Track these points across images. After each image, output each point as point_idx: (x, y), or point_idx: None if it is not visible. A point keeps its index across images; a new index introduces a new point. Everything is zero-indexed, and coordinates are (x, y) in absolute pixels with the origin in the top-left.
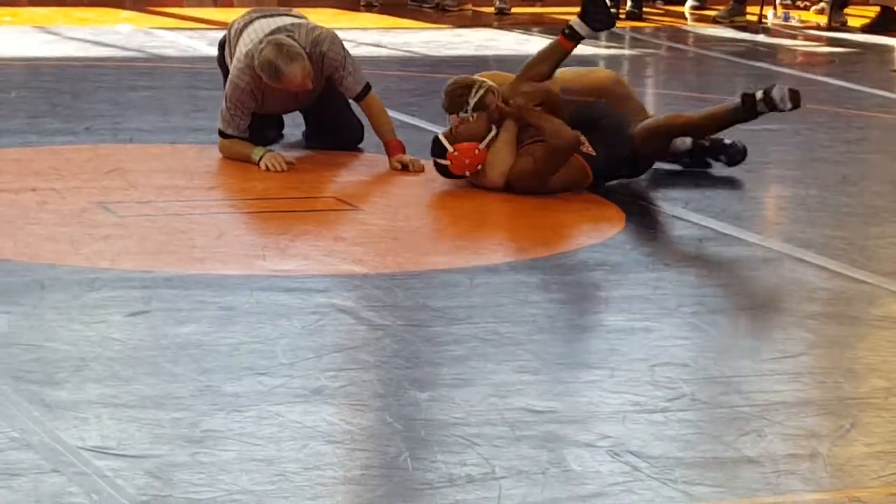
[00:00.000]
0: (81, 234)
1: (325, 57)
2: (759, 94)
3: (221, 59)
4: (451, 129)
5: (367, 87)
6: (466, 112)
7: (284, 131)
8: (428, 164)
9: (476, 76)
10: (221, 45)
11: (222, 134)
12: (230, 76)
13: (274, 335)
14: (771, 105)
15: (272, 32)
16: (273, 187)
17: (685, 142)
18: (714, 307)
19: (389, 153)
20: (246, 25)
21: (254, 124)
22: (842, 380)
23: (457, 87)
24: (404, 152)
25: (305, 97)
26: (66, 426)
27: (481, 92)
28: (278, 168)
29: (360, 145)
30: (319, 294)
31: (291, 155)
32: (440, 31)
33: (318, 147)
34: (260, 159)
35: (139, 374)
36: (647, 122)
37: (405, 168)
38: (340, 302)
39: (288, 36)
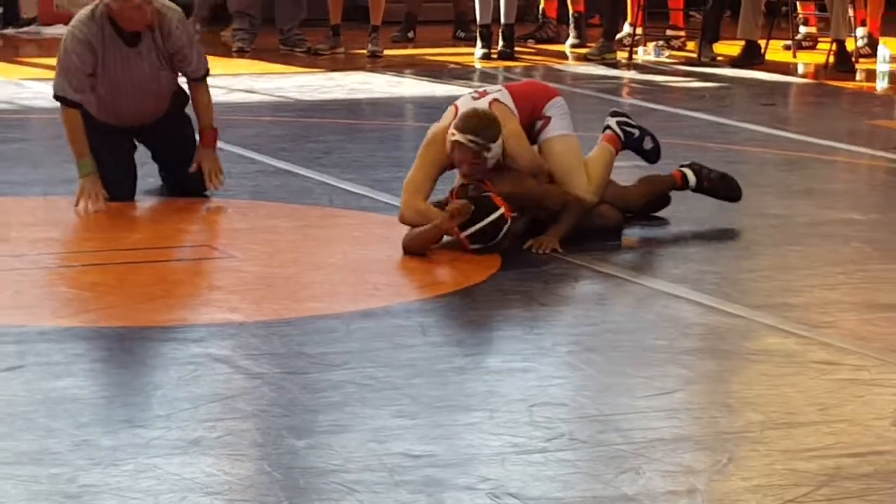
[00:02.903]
0: None
1: (174, 28)
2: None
3: None
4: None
5: (207, 72)
6: (490, 153)
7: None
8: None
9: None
10: None
11: (60, 99)
12: (67, 29)
13: (150, 386)
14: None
15: None
16: (147, 237)
17: None
18: (589, 346)
19: (203, 140)
20: None
21: (107, 167)
22: (718, 415)
23: (487, 116)
24: (216, 142)
25: (150, 93)
26: None
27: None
28: (92, 210)
29: (231, 192)
30: (195, 344)
31: (154, 204)
32: (313, 75)
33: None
34: (84, 176)
35: (14, 430)
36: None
37: (200, 173)
38: (216, 351)
39: None
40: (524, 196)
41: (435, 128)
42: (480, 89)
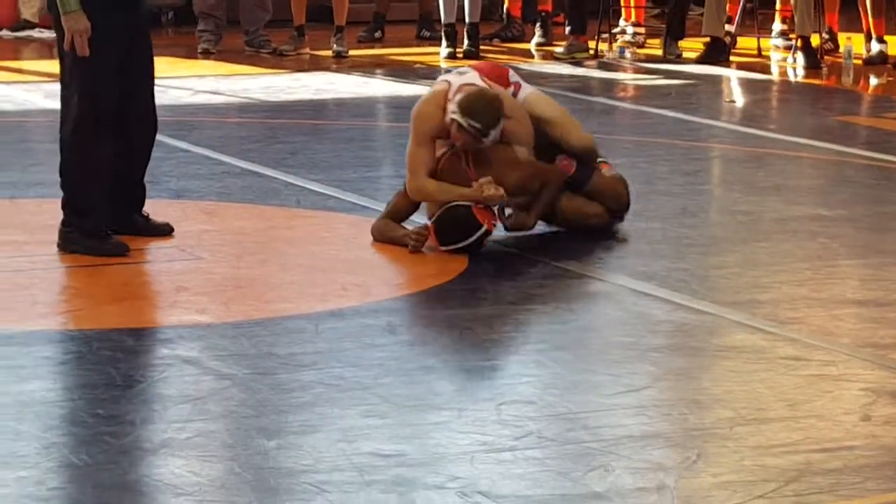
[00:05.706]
0: None
1: None
2: None
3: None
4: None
5: None
6: (491, 136)
7: None
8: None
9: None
10: None
11: None
12: None
13: (118, 389)
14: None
15: None
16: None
17: None
18: (558, 343)
19: None
20: None
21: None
22: (686, 411)
23: (490, 100)
24: None
25: None
26: None
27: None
28: (79, 47)
29: (198, 194)
30: (164, 345)
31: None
32: (278, 76)
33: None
34: (68, 14)
35: None
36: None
37: None
38: (185, 353)
39: None
40: (524, 181)
41: (421, 104)
42: (454, 70)
